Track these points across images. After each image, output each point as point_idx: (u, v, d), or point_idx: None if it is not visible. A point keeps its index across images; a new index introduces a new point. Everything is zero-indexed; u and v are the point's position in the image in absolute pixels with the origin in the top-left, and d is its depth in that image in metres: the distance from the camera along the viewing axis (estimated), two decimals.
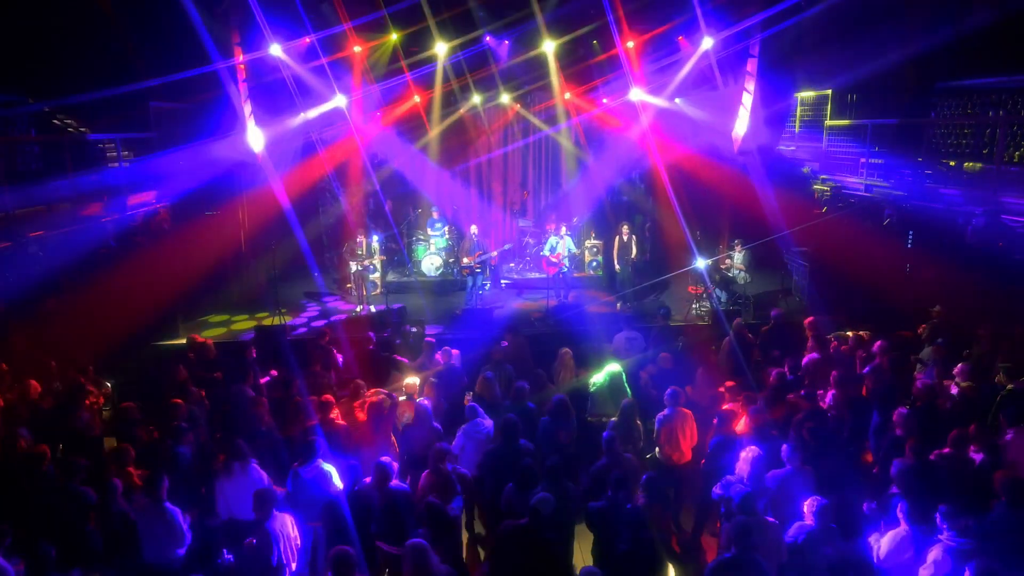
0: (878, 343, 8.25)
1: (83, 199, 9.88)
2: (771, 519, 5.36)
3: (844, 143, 13.36)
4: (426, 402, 7.03)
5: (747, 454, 5.92)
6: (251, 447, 6.26)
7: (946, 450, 6.04)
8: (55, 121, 11.89)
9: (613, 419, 7.05)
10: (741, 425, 6.81)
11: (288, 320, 11.36)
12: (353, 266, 12.58)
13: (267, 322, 11.60)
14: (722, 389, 7.51)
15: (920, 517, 5.04)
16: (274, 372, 8.54)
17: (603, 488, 5.61)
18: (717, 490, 5.89)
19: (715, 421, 6.76)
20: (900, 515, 5.10)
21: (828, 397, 7.56)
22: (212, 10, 10.80)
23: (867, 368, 8.01)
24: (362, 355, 9.01)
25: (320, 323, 11.88)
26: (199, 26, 10.68)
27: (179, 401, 6.98)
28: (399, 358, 8.90)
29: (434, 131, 15.21)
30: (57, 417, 7.25)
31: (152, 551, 5.50)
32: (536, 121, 15.75)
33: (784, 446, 5.93)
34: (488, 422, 6.85)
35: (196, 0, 10.60)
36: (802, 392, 7.30)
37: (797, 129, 15.41)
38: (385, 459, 5.73)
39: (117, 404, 7.74)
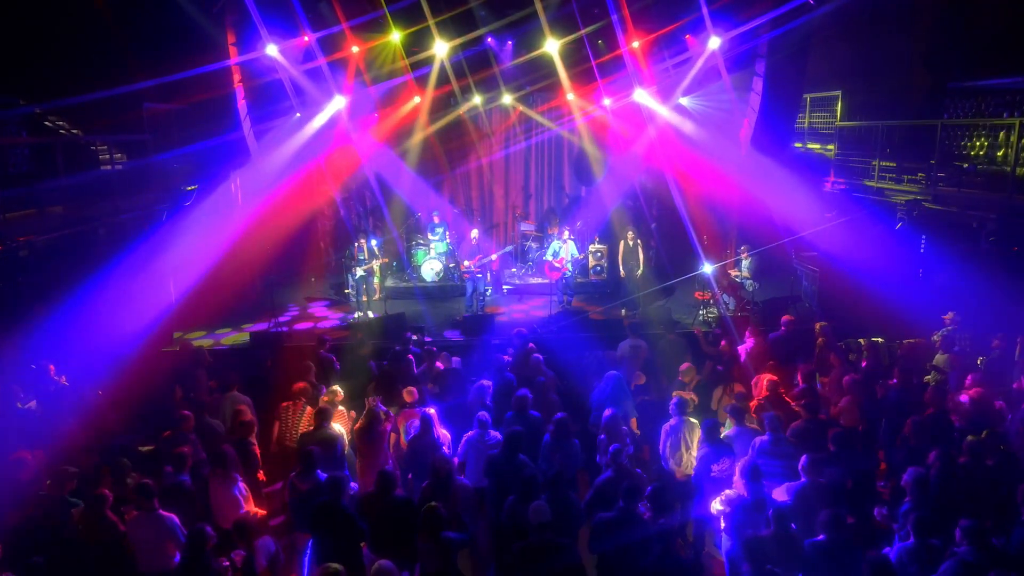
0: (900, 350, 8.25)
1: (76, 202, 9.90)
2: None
3: (855, 145, 13.35)
4: (431, 411, 7.03)
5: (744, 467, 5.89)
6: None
7: (961, 459, 6.01)
8: (47, 123, 11.91)
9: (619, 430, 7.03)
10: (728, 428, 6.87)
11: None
12: (358, 271, 12.61)
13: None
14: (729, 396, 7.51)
15: (931, 529, 5.00)
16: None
17: (607, 501, 5.58)
18: (717, 506, 5.84)
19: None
20: (909, 527, 5.06)
21: (840, 405, 7.55)
22: (207, 10, 10.83)
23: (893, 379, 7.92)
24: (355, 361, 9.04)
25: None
26: (194, 26, 10.73)
27: (188, 413, 6.96)
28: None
29: (433, 133, 15.22)
30: (45, 424, 7.25)
31: (148, 562, 5.49)
32: (543, 120, 15.75)
33: (803, 458, 5.89)
34: (496, 433, 6.83)
35: (191, 0, 10.66)
36: (803, 401, 7.25)
37: (806, 131, 15.42)
38: (389, 468, 5.73)
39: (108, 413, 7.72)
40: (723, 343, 9.27)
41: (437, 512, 5.13)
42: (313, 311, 13.29)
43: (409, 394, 7.53)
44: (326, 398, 7.53)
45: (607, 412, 6.96)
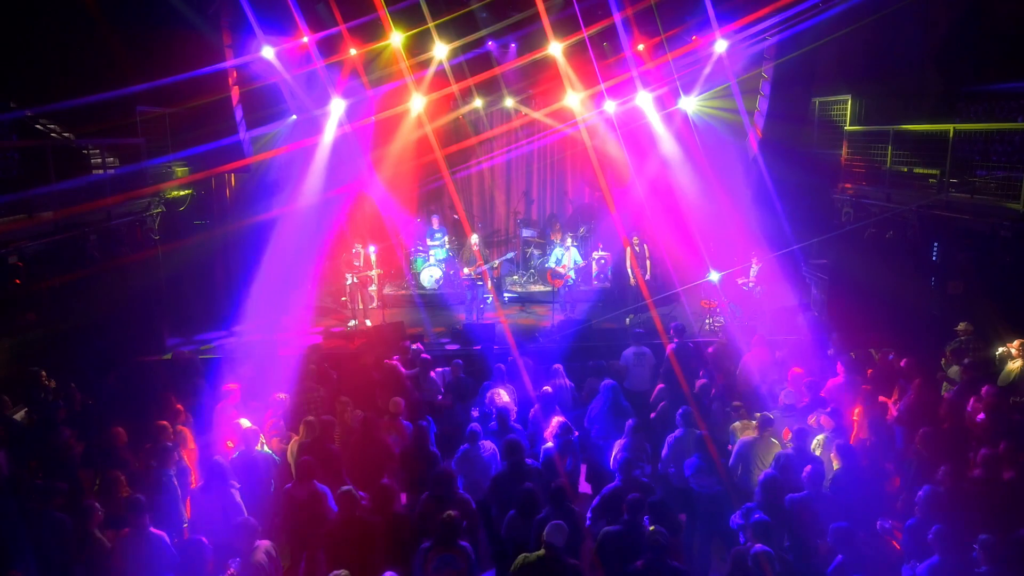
0: (905, 362, 8.25)
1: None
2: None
3: (865, 149, 13.36)
4: (424, 423, 7.03)
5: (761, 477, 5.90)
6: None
7: (976, 472, 6.00)
8: (38, 126, 11.95)
9: (622, 440, 7.04)
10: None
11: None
12: (349, 278, 12.58)
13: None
14: (738, 403, 7.52)
15: (954, 544, 4.99)
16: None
17: (612, 512, 5.59)
18: (737, 519, 5.83)
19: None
20: (933, 542, 5.04)
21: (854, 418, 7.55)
22: (203, 12, 10.89)
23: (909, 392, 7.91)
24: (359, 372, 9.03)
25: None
26: (189, 28, 10.78)
27: (165, 424, 6.98)
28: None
29: (433, 137, 15.22)
30: (35, 434, 7.24)
31: None
32: (548, 121, 15.78)
33: (807, 467, 5.89)
34: (488, 443, 6.84)
35: (186, 1, 10.71)
36: (828, 409, 7.27)
37: (815, 135, 15.44)
38: (387, 482, 5.73)
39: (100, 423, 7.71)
40: (710, 349, 9.36)
41: (455, 520, 5.13)
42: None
43: (395, 405, 7.52)
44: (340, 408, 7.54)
45: (629, 423, 7.00)
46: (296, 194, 13.22)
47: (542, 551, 5.00)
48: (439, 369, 9.31)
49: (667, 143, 13.84)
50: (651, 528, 5.08)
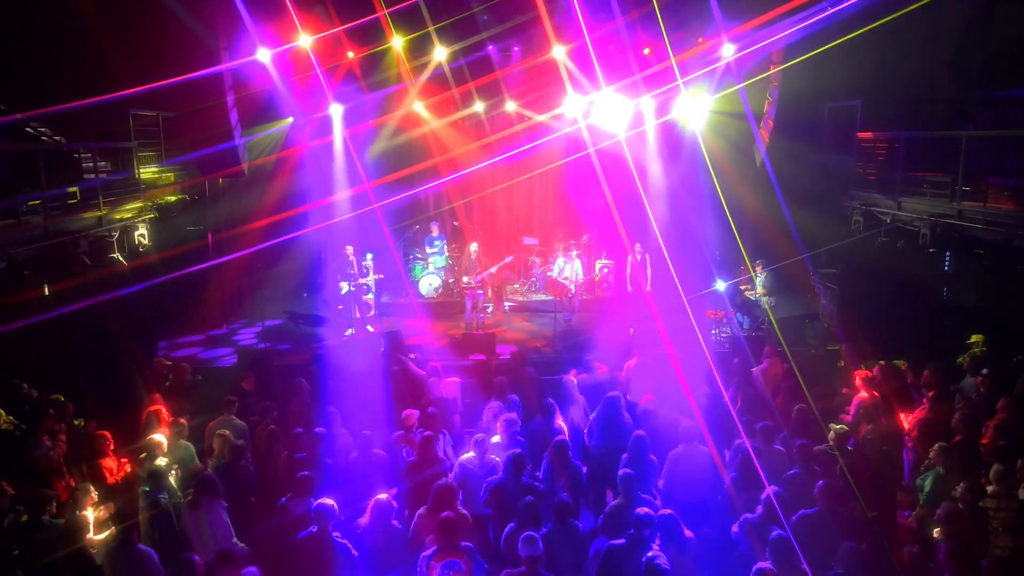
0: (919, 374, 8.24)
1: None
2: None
3: (875, 156, 13.39)
4: (428, 434, 7.00)
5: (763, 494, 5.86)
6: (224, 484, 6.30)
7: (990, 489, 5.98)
8: (28, 129, 12.00)
9: (624, 454, 7.01)
10: None
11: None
12: (344, 286, 12.54)
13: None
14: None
15: (969, 563, 4.97)
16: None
17: (616, 528, 5.57)
18: (735, 529, 5.82)
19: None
20: (943, 559, 5.02)
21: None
22: (198, 14, 10.95)
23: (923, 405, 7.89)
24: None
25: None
26: (184, 31, 10.84)
27: (159, 441, 6.94)
28: None
29: (432, 142, 15.27)
30: (18, 443, 7.21)
31: None
32: (551, 124, 15.80)
33: (819, 483, 5.87)
34: (493, 457, 6.81)
35: (181, 3, 10.77)
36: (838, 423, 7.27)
37: (824, 142, 15.47)
38: (384, 496, 5.70)
39: (85, 433, 7.70)
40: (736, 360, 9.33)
41: (454, 522, 5.12)
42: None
43: (407, 418, 7.50)
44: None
45: (635, 434, 6.96)
46: (294, 198, 13.24)
47: (523, 567, 4.97)
48: (434, 379, 9.29)
49: (673, 148, 13.86)
50: (649, 553, 5.04)
